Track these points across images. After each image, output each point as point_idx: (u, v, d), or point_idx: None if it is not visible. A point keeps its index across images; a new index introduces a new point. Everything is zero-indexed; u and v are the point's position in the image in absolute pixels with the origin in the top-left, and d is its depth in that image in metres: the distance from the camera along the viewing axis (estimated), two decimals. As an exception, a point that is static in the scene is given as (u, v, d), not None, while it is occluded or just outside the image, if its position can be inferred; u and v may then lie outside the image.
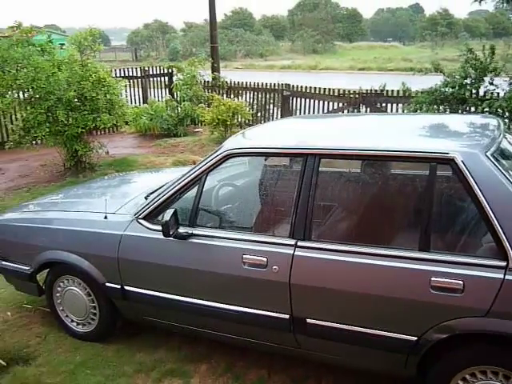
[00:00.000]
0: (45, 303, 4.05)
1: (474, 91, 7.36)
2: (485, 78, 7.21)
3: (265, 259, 2.88)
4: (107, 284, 3.46)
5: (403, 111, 8.94)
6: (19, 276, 3.89)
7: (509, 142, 3.01)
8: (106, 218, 3.50)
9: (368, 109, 9.57)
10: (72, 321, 3.84)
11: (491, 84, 7.25)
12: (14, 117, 8.91)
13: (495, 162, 2.54)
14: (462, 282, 2.45)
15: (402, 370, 2.78)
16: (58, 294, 3.81)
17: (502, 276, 2.40)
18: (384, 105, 9.51)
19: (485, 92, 7.34)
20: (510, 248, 2.39)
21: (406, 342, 2.63)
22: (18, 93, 7.97)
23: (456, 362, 2.62)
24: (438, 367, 2.66)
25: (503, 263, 2.41)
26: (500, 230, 2.41)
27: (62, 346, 3.77)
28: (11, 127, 8.32)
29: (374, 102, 9.57)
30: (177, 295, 3.22)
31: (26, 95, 7.93)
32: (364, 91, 9.69)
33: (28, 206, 4.45)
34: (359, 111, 9.48)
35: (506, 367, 2.49)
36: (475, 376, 2.57)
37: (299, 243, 2.83)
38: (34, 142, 8.40)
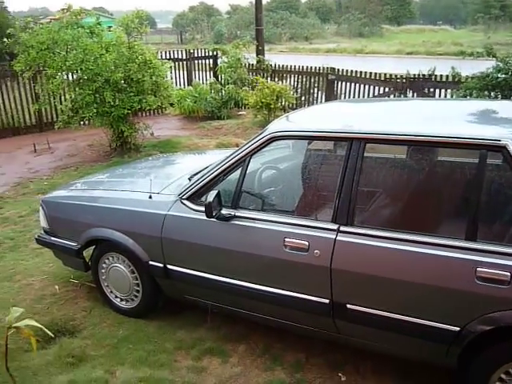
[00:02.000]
0: (90, 278, 4.18)
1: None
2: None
3: (306, 243, 2.87)
4: (150, 262, 3.53)
5: (452, 97, 8.70)
6: (67, 252, 4.02)
7: None
8: (150, 197, 3.56)
9: (415, 94, 9.34)
10: (116, 296, 3.95)
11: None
12: (63, 98, 9.14)
13: (549, 150, 2.45)
14: (509, 274, 2.39)
15: (442, 360, 2.75)
16: (103, 271, 3.92)
17: (551, 268, 2.32)
18: (432, 90, 9.26)
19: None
20: (561, 240, 2.31)
21: (448, 332, 2.59)
22: (67, 74, 8.16)
23: (499, 355, 2.56)
24: (480, 359, 2.62)
25: (553, 255, 2.33)
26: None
27: (106, 320, 3.88)
28: (60, 108, 8.54)
29: (421, 86, 9.33)
30: (217, 276, 3.26)
31: (74, 77, 8.11)
32: (411, 76, 9.46)
33: (76, 184, 4.58)
34: (406, 96, 9.27)
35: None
36: (519, 369, 2.52)
37: (342, 228, 2.82)
38: (81, 123, 8.65)
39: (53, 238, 4.09)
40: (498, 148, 2.51)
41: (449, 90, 9.00)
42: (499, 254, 2.43)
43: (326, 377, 3.20)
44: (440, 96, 9.06)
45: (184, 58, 12.75)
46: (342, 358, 3.33)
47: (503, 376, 2.56)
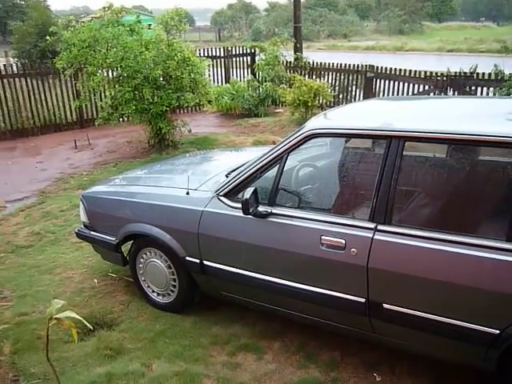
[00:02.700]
0: (128, 273, 4.25)
1: None
2: None
3: (343, 241, 2.86)
4: (187, 258, 3.57)
5: (494, 95, 8.47)
6: (105, 246, 4.10)
7: None
8: (187, 193, 3.60)
9: (456, 92, 9.14)
10: (153, 291, 4.01)
11: None
12: (103, 95, 9.32)
13: None
14: (552, 276, 2.32)
15: (480, 363, 2.69)
16: (140, 265, 3.99)
17: None
18: (473, 88, 9.05)
19: None
20: None
21: (487, 334, 2.54)
22: (107, 71, 8.31)
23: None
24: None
25: None
26: None
27: (143, 314, 3.95)
28: (100, 104, 8.70)
29: (462, 84, 9.12)
30: (253, 272, 3.27)
31: (114, 74, 8.26)
32: (452, 73, 9.26)
33: (115, 180, 4.66)
34: (446, 94, 9.09)
35: None
36: (562, 376, 2.45)
37: (379, 227, 2.79)
38: (121, 119, 8.79)
39: (92, 233, 4.18)
40: (542, 147, 2.44)
41: (491, 89, 8.77)
42: (543, 256, 2.37)
43: (361, 376, 3.17)
44: (482, 94, 8.84)
45: (222, 55, 12.83)
46: (377, 358, 3.30)
47: (545, 382, 2.49)
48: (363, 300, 2.87)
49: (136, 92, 7.92)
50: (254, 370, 3.28)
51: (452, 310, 2.63)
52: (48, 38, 8.42)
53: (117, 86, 8.05)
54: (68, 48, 7.86)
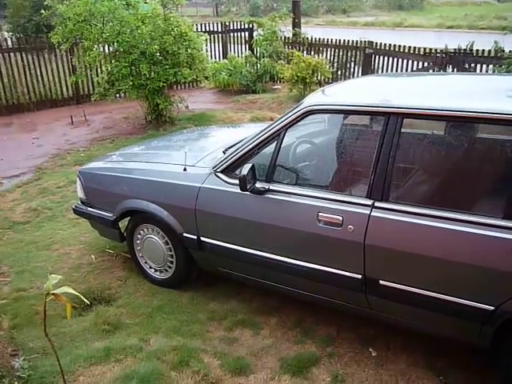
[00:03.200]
0: (126, 249, 4.26)
1: None
2: None
3: (340, 218, 2.86)
4: (184, 234, 3.58)
5: (494, 72, 8.41)
6: (103, 222, 4.10)
7: None
8: (185, 170, 3.59)
9: (455, 69, 9.07)
10: (150, 267, 4.03)
11: None
12: (99, 70, 9.22)
13: None
14: (548, 254, 2.33)
15: (475, 339, 2.72)
16: (137, 241, 3.99)
17: None
18: (473, 65, 8.97)
19: None
20: None
21: (482, 311, 2.56)
22: (103, 46, 8.22)
23: (534, 335, 2.52)
24: (514, 340, 2.58)
25: None
26: None
27: (141, 290, 3.97)
28: (97, 80, 8.63)
29: (461, 61, 9.04)
30: (250, 249, 3.28)
31: (111, 49, 8.16)
32: (451, 50, 9.17)
33: (112, 156, 4.65)
34: (446, 71, 9.02)
35: None
36: (555, 352, 2.48)
37: (376, 204, 2.79)
38: (117, 95, 8.74)
39: (89, 209, 4.17)
40: (541, 124, 2.42)
41: (490, 66, 8.70)
42: (539, 233, 2.37)
43: (357, 351, 3.21)
44: (481, 71, 8.78)
45: (219, 30, 12.68)
46: (373, 334, 3.34)
47: (538, 357, 2.52)
48: (360, 276, 2.88)
49: (133, 67, 7.85)
50: (250, 344, 3.31)
51: (448, 287, 2.65)
52: (43, 11, 8.29)
53: (113, 62, 7.97)
54: (63, 22, 7.76)
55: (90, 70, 9.79)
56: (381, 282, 2.82)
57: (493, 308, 2.53)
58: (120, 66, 7.73)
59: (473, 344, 2.85)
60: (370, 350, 3.22)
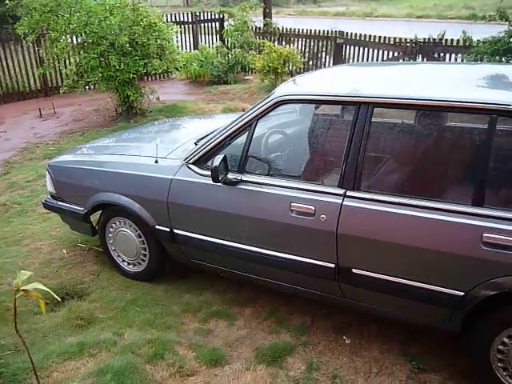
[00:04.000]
0: (98, 243, 4.21)
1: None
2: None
3: (313, 208, 2.87)
4: (157, 227, 3.55)
5: (462, 62, 8.54)
6: (74, 216, 4.04)
7: None
8: (156, 162, 3.56)
9: (425, 58, 9.19)
10: (123, 261, 3.99)
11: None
12: (67, 62, 9.06)
13: (559, 115, 2.41)
14: (515, 239, 2.38)
15: (446, 324, 2.77)
16: (110, 235, 3.95)
17: (558, 234, 2.31)
18: (442, 55, 9.10)
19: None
20: None
21: (452, 296, 2.61)
22: (71, 37, 8.06)
23: (503, 319, 2.58)
24: (484, 323, 2.63)
25: (561, 221, 2.32)
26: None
27: (114, 283, 3.94)
28: (65, 72, 8.47)
29: (431, 51, 9.16)
30: (224, 240, 3.28)
31: (79, 40, 8.02)
32: (421, 40, 9.28)
33: (82, 149, 4.57)
34: (415, 61, 9.12)
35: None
36: (522, 334, 2.54)
37: (348, 193, 2.81)
38: (87, 87, 8.59)
39: (60, 203, 4.11)
40: (508, 113, 2.47)
41: (459, 55, 8.84)
42: (506, 219, 2.42)
43: (331, 339, 3.25)
44: (450, 60, 8.90)
45: (190, 21, 12.55)
46: (347, 322, 3.37)
47: (506, 340, 2.58)
48: (333, 265, 2.91)
49: (102, 59, 7.73)
50: (225, 335, 3.31)
51: (419, 274, 2.69)
52: (8, 2, 8.07)
53: (82, 53, 7.83)
54: (29, 13, 7.58)
55: (58, 62, 9.60)
56: (353, 270, 2.85)
57: (463, 294, 2.58)
58: (89, 57, 7.60)
59: (444, 329, 2.91)
60: (344, 337, 3.25)
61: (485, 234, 2.44)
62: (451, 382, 2.86)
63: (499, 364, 2.65)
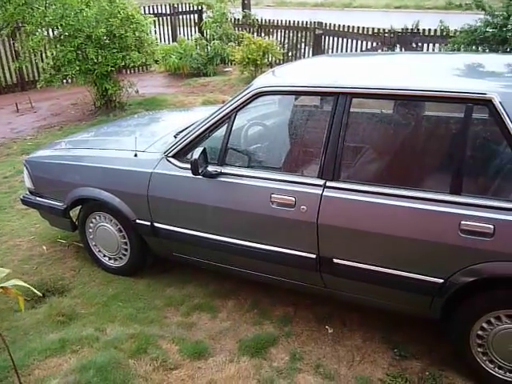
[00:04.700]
0: (78, 238, 4.17)
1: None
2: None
3: (293, 199, 2.88)
4: (137, 221, 3.53)
5: (440, 51, 8.60)
6: (53, 212, 3.99)
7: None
8: (135, 155, 3.53)
9: (403, 48, 9.24)
10: (104, 256, 3.96)
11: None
12: (44, 55, 8.91)
13: (534, 104, 2.44)
14: (492, 226, 2.41)
15: (426, 311, 2.81)
16: (90, 230, 3.92)
17: (534, 220, 2.35)
18: (420, 44, 9.16)
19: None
20: (544, 192, 2.33)
21: (433, 284, 2.64)
22: (47, 30, 7.93)
23: (481, 305, 2.61)
24: (463, 309, 2.67)
25: (537, 208, 2.36)
26: (535, 173, 2.34)
27: (96, 279, 3.91)
28: (42, 66, 8.34)
29: (409, 41, 9.22)
30: (205, 233, 3.27)
31: (55, 33, 7.90)
32: (399, 30, 9.33)
33: (60, 143, 4.51)
34: (394, 51, 9.16)
35: (533, 312, 2.49)
36: (500, 319, 2.58)
37: (328, 183, 2.81)
38: (64, 81, 8.47)
39: (38, 199, 4.05)
40: (484, 101, 2.49)
41: (437, 45, 8.90)
42: (483, 207, 2.45)
43: (314, 329, 3.26)
44: (428, 50, 8.96)
45: (168, 12, 12.43)
46: (329, 311, 3.40)
47: (485, 325, 2.62)
48: (314, 256, 2.92)
49: (79, 52, 7.63)
50: (208, 328, 3.31)
51: (399, 262, 2.72)
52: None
53: (58, 46, 7.70)
54: (3, 6, 7.42)
55: (35, 56, 9.44)
56: (334, 260, 2.87)
57: (442, 281, 2.61)
58: (65, 50, 7.49)
59: (425, 317, 2.94)
60: (327, 327, 3.27)
61: (463, 222, 2.47)
62: (432, 368, 2.90)
63: (479, 349, 2.70)
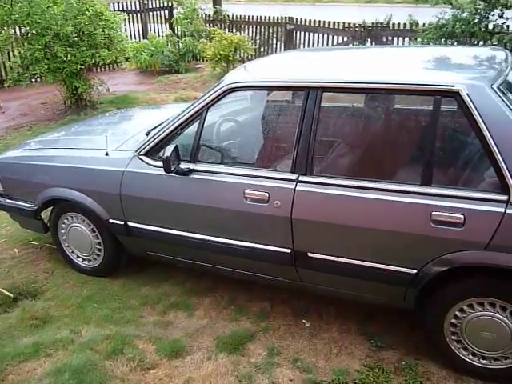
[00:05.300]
0: (50, 240, 4.10)
1: (483, 25, 7.09)
2: (495, 11, 6.94)
3: (267, 194, 2.88)
4: (111, 220, 3.49)
5: (409, 45, 8.69)
6: (24, 214, 3.93)
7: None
8: (107, 154, 3.48)
9: (373, 43, 9.32)
10: (78, 256, 3.91)
11: (501, 17, 6.99)
12: (11, 54, 8.73)
13: (501, 95, 2.47)
14: (462, 216, 2.45)
15: (401, 302, 2.84)
16: (62, 231, 3.86)
17: (502, 210, 2.39)
18: (390, 38, 9.25)
19: (494, 26, 7.09)
20: (512, 182, 2.37)
21: (406, 275, 2.67)
22: (13, 29, 7.77)
23: (454, 293, 2.66)
24: (437, 299, 2.71)
25: (505, 197, 2.40)
26: (503, 164, 2.38)
27: (69, 280, 3.85)
28: (9, 64, 8.17)
29: (379, 35, 9.30)
30: (179, 231, 3.25)
31: (22, 31, 7.75)
32: (369, 25, 9.40)
33: (30, 144, 4.43)
34: (364, 45, 9.23)
35: (503, 298, 2.53)
36: (472, 307, 2.62)
37: (301, 178, 2.82)
38: (33, 80, 8.30)
39: (8, 201, 3.98)
40: (451, 94, 2.52)
41: (406, 38, 8.99)
42: (453, 197, 2.49)
43: (291, 324, 3.28)
44: (398, 44, 9.04)
45: (138, 9, 12.28)
46: (305, 306, 3.41)
47: (458, 313, 2.67)
48: (289, 251, 2.93)
49: (47, 50, 7.48)
50: (185, 326, 3.30)
51: (373, 254, 2.74)
52: None
53: (26, 45, 7.54)
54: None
55: (1, 54, 9.25)
56: (309, 254, 2.88)
57: (416, 271, 2.65)
58: (33, 49, 7.35)
59: (399, 307, 2.98)
60: (304, 321, 3.29)
61: (434, 213, 2.50)
62: (408, 358, 2.93)
63: (453, 337, 2.74)
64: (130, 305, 3.53)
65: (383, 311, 3.21)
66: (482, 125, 2.43)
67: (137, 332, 3.22)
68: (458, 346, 2.75)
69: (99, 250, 3.75)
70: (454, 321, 2.70)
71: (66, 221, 3.79)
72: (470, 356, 2.74)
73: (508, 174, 2.37)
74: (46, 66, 7.44)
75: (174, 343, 3.11)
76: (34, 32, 7.35)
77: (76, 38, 7.65)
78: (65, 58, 7.48)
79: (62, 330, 3.24)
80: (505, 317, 2.56)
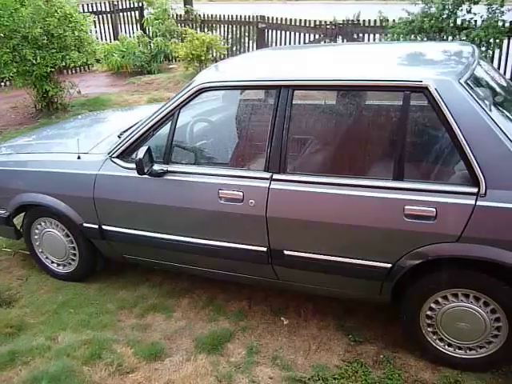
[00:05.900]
0: (24, 246, 4.04)
1: (451, 20, 7.21)
2: (463, 6, 7.07)
3: (241, 193, 2.88)
4: (85, 224, 3.45)
5: (380, 41, 8.78)
6: (-5, 220, 3.85)
7: (483, 70, 2.99)
8: (79, 158, 3.44)
9: (344, 40, 9.39)
10: (52, 262, 3.86)
11: (469, 12, 7.11)
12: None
13: (469, 90, 2.51)
14: (434, 209, 2.49)
15: (377, 296, 2.87)
16: (36, 237, 3.80)
17: (473, 202, 2.43)
18: (361, 35, 9.33)
19: (462, 21, 7.21)
20: (481, 174, 2.41)
21: (381, 269, 2.70)
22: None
23: (429, 286, 2.69)
24: (412, 292, 2.75)
25: (475, 189, 2.44)
26: (472, 157, 2.42)
27: (44, 287, 3.79)
28: (-24, 68, 8.02)
29: (350, 32, 9.38)
30: (154, 232, 3.23)
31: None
32: (340, 22, 9.47)
33: (0, 149, 4.35)
34: (336, 42, 9.30)
35: (476, 289, 2.58)
36: (447, 299, 2.67)
37: (274, 176, 2.82)
38: (2, 84, 8.17)
39: (-22, 207, 3.90)
40: (420, 89, 2.55)
41: (377, 35, 9.09)
42: (425, 191, 2.52)
43: (270, 322, 3.28)
44: (369, 41, 9.13)
45: (108, 10, 12.18)
46: (283, 303, 3.42)
47: (433, 305, 2.71)
48: (265, 249, 2.93)
49: (15, 53, 7.36)
50: (164, 328, 3.28)
51: (347, 250, 2.77)
52: None
53: (-7, 48, 7.43)
54: None
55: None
56: (285, 252, 2.89)
57: (390, 265, 2.68)
58: (1, 52, 7.22)
59: (376, 301, 3.01)
60: (282, 318, 3.30)
61: (406, 207, 2.53)
62: (386, 351, 2.97)
63: (429, 329, 2.79)
64: (107, 309, 3.49)
65: (361, 306, 3.24)
66: (450, 119, 2.46)
67: (114, 336, 3.19)
68: (434, 337, 2.79)
69: (74, 254, 3.70)
70: (429, 313, 2.73)
71: (39, 226, 3.74)
72: (446, 347, 2.78)
73: (477, 166, 2.41)
74: (14, 70, 7.33)
75: (153, 346, 3.09)
76: (1, 35, 7.22)
77: (45, 41, 7.54)
78: (34, 61, 7.36)
79: (38, 337, 3.20)
80: (478, 307, 2.61)
